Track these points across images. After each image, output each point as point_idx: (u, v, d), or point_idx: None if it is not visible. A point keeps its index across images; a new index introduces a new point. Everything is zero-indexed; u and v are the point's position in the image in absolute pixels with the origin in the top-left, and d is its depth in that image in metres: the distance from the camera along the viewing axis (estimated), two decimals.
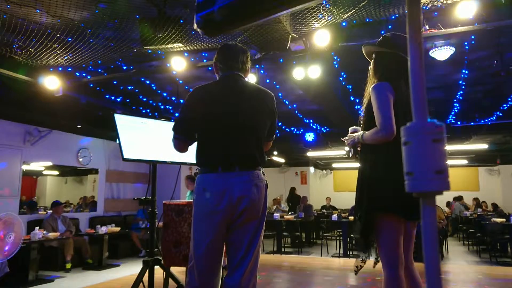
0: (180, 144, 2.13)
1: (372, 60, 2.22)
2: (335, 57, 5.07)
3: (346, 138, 2.24)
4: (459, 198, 11.93)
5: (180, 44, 4.12)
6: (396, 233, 1.95)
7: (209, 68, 5.13)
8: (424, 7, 3.55)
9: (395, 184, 1.87)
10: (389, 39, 2.15)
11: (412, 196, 1.91)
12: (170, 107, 7.51)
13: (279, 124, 8.77)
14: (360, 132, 2.10)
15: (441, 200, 12.01)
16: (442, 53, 4.39)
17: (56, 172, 9.64)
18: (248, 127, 2.04)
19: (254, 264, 2.00)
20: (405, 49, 2.05)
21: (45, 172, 8.27)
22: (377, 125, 1.94)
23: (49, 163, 7.39)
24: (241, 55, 2.16)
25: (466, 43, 4.62)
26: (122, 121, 3.23)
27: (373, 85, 2.04)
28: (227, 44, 2.25)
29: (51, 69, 5.02)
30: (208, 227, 1.95)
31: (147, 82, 6.10)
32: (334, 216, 8.32)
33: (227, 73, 2.14)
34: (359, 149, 2.20)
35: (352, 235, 7.63)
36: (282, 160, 13.43)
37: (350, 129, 2.30)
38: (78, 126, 7.29)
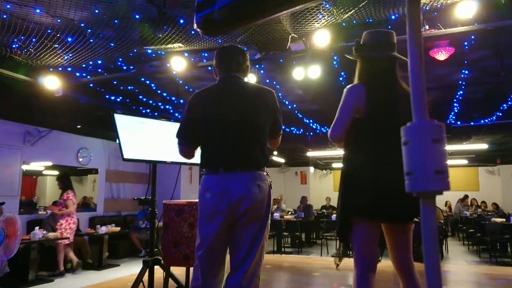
0: (184, 149, 2.15)
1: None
2: (335, 57, 5.07)
3: None
4: (463, 199, 11.85)
5: (180, 44, 4.12)
6: (366, 235, 1.93)
7: (209, 68, 5.13)
8: (424, 7, 3.55)
9: (369, 186, 1.89)
10: (360, 43, 2.09)
11: (389, 198, 1.90)
12: (170, 107, 7.51)
13: None
14: None
15: (440, 200, 11.99)
16: (442, 53, 4.39)
17: (56, 172, 9.62)
18: (248, 127, 2.05)
19: (256, 265, 2.00)
20: (379, 45, 2.03)
21: (45, 172, 8.25)
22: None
23: (49, 163, 7.38)
24: (236, 55, 2.16)
25: (466, 43, 4.62)
26: (122, 121, 3.23)
27: (346, 87, 2.03)
28: (222, 47, 2.28)
29: (51, 69, 5.02)
30: (211, 227, 1.97)
31: (147, 82, 6.10)
32: (334, 216, 8.31)
33: (224, 75, 2.16)
34: None
35: None
36: (282, 160, 13.42)
37: None
38: (78, 126, 7.29)
